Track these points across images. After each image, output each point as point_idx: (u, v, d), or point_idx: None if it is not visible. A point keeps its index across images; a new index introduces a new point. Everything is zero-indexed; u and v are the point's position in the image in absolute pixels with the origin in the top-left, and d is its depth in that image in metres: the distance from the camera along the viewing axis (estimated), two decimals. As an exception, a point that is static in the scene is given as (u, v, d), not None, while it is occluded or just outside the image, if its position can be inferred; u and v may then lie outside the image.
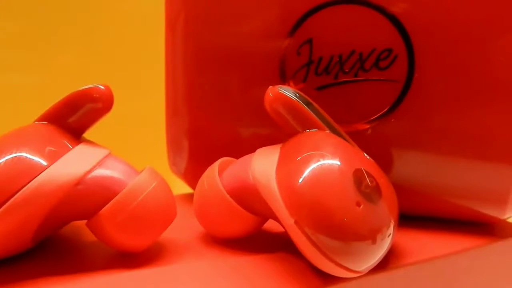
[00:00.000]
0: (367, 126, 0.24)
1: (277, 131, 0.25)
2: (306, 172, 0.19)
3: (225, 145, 0.27)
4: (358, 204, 0.18)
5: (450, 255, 0.23)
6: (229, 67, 0.26)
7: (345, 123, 0.24)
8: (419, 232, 0.25)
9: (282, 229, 0.24)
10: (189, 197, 0.29)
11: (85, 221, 0.21)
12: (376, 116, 0.24)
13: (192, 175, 0.29)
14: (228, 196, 0.21)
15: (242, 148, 0.27)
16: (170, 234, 0.22)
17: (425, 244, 0.23)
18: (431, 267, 0.22)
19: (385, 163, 0.24)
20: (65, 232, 0.23)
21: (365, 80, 0.24)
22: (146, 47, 0.56)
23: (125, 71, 0.56)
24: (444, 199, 0.25)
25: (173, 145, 0.29)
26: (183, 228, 0.24)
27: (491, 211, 0.25)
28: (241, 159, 0.23)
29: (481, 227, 0.25)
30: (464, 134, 0.23)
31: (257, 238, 0.23)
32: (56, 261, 0.21)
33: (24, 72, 0.54)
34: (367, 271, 0.19)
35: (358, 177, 0.19)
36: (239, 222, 0.22)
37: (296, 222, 0.18)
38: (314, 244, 0.18)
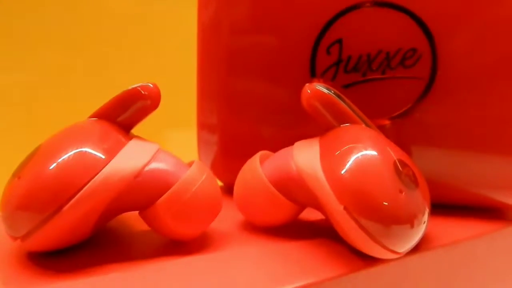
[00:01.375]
0: (390, 121, 0.26)
1: (304, 128, 0.27)
2: (351, 163, 0.20)
3: (253, 140, 0.29)
4: (401, 191, 0.20)
5: (470, 239, 0.25)
6: (260, 65, 0.27)
7: (371, 118, 0.26)
8: (439, 218, 0.27)
9: (316, 218, 0.25)
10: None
11: (131, 212, 0.22)
12: (400, 112, 0.26)
13: (220, 167, 0.30)
14: (271, 186, 0.23)
15: (270, 143, 0.28)
16: (212, 223, 0.23)
17: (447, 229, 0.25)
18: (454, 250, 0.24)
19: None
20: (113, 223, 0.24)
21: (391, 77, 0.25)
22: (130, 44, 0.57)
23: (112, 69, 0.56)
24: (461, 188, 0.27)
25: (202, 139, 0.30)
26: (222, 217, 0.25)
27: (504, 198, 0.27)
28: (280, 152, 0.24)
29: (495, 213, 0.28)
30: (483, 128, 0.25)
31: (294, 226, 0.25)
32: (110, 250, 0.22)
33: (9, 70, 0.54)
34: (405, 252, 0.21)
35: (398, 166, 0.21)
36: (281, 211, 0.23)
37: (345, 209, 0.20)
38: (362, 228, 0.20)
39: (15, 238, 0.20)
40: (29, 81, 0.55)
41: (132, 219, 0.24)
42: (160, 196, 0.21)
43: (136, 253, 0.22)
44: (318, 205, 0.22)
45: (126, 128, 0.23)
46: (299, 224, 0.25)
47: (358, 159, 0.20)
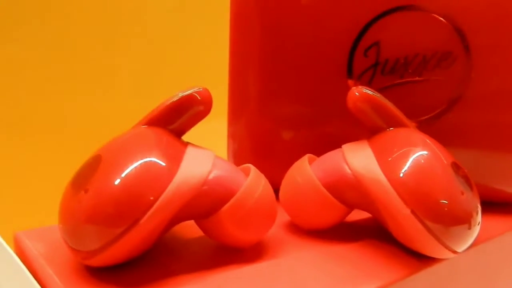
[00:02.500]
0: (417, 124, 0.27)
1: (331, 128, 0.27)
2: (413, 166, 0.21)
3: (282, 140, 0.29)
4: (462, 193, 0.21)
5: (503, 233, 0.26)
6: (294, 66, 0.27)
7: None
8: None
9: (356, 219, 0.26)
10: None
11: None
12: (434, 113, 0.27)
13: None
14: (324, 189, 0.23)
15: (298, 143, 0.28)
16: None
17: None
18: (491, 245, 0.25)
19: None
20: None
21: (427, 80, 0.26)
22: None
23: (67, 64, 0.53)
24: (487, 185, 0.28)
25: (232, 142, 0.30)
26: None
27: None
28: (327, 155, 0.24)
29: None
30: (508, 132, 0.27)
31: (339, 228, 0.25)
32: (167, 261, 0.21)
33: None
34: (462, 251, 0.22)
35: (455, 168, 0.21)
36: (332, 214, 0.24)
37: (412, 212, 0.20)
38: (429, 230, 0.20)
39: (80, 253, 0.19)
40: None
41: (182, 227, 0.24)
42: (223, 203, 0.20)
43: (191, 263, 0.21)
44: (371, 207, 0.23)
45: (178, 134, 0.22)
46: (343, 225, 0.26)
47: (419, 163, 0.21)
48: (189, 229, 0.23)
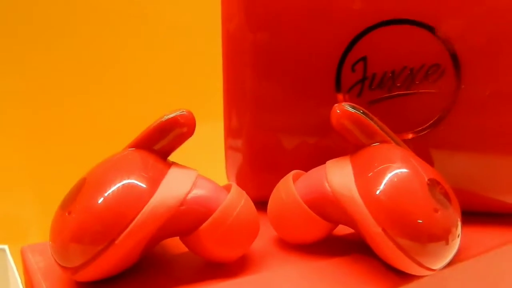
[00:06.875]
0: (415, 135, 0.27)
1: (327, 140, 0.28)
2: (387, 184, 0.21)
3: (278, 153, 0.29)
4: (436, 211, 0.21)
5: (499, 246, 0.26)
6: (286, 81, 0.27)
7: (396, 133, 0.26)
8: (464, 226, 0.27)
9: (345, 232, 0.26)
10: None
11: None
12: (425, 126, 0.27)
13: (247, 181, 0.31)
14: (306, 206, 0.24)
15: (294, 156, 0.29)
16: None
17: (474, 238, 0.26)
18: (485, 259, 0.25)
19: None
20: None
21: (415, 93, 0.26)
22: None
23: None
24: (481, 194, 0.28)
25: (230, 154, 0.31)
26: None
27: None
28: (312, 171, 0.25)
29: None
30: (503, 137, 0.26)
31: (326, 242, 0.25)
32: (152, 275, 0.23)
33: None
34: (440, 268, 0.22)
35: (432, 186, 0.21)
36: (315, 229, 0.24)
37: (383, 230, 0.20)
38: (400, 248, 0.20)
39: (66, 269, 0.20)
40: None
41: (170, 242, 0.25)
42: (203, 222, 0.22)
43: (179, 278, 0.22)
44: (352, 224, 0.23)
45: (163, 156, 0.23)
46: (330, 239, 0.26)
47: (393, 181, 0.21)
48: (178, 244, 0.24)
